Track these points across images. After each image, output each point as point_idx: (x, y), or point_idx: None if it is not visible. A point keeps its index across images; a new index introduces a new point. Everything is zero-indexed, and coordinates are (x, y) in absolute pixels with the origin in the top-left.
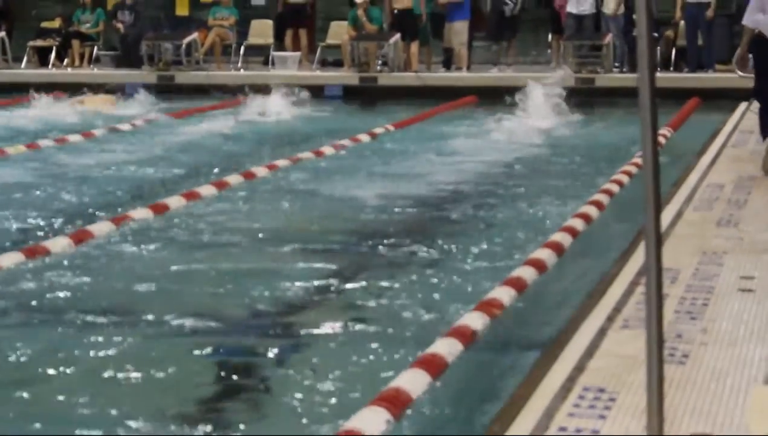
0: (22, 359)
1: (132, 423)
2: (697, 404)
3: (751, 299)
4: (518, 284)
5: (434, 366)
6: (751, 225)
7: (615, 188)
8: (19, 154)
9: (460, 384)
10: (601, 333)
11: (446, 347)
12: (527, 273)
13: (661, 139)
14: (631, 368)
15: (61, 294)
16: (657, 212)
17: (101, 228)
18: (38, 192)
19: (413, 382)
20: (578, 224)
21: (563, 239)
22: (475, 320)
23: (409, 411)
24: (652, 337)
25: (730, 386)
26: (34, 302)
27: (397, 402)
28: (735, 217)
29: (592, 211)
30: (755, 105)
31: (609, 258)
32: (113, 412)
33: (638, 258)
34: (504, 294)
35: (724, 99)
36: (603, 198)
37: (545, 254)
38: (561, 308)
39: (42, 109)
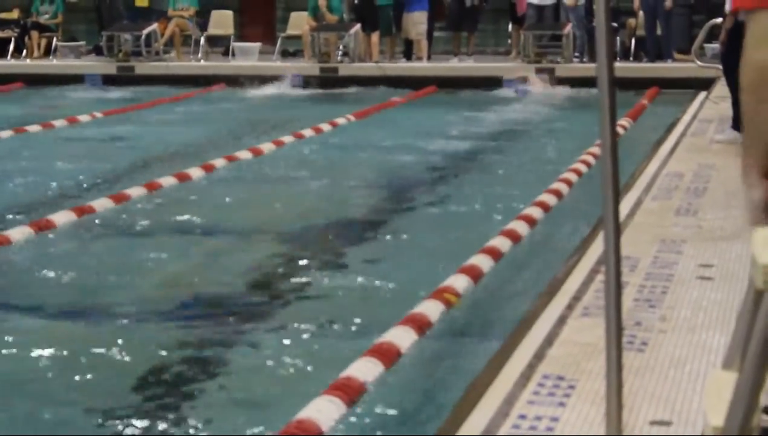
0: None
1: (103, 408)
2: (656, 390)
3: (710, 286)
4: (473, 272)
5: (387, 355)
6: (709, 213)
7: (573, 177)
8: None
9: (419, 372)
10: (561, 321)
11: (400, 336)
12: (483, 261)
13: (620, 129)
14: (591, 356)
15: (24, 278)
16: (616, 201)
17: (62, 217)
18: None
19: (365, 371)
20: (536, 212)
21: (520, 227)
22: (430, 308)
23: (364, 400)
24: (611, 325)
25: (688, 372)
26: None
27: (349, 391)
28: (694, 205)
29: (551, 199)
30: (714, 94)
31: (567, 247)
32: (86, 394)
33: (597, 247)
34: (460, 282)
35: (683, 89)
36: (561, 187)
37: (501, 242)
38: (521, 297)
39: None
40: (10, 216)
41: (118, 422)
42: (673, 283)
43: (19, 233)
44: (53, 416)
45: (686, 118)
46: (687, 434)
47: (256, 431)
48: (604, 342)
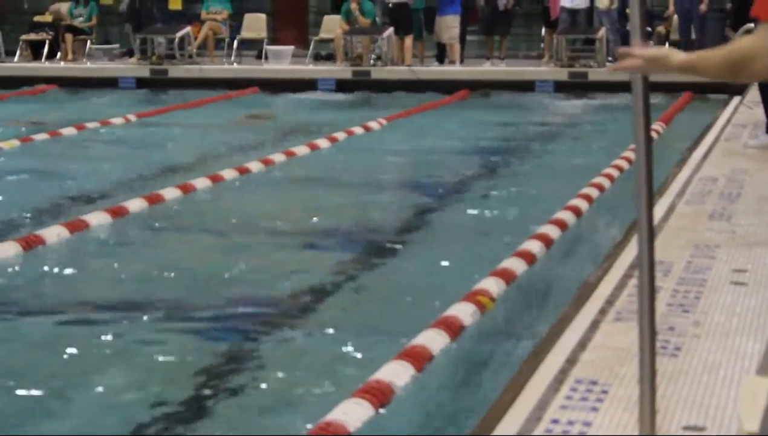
0: (14, 347)
1: (130, 410)
2: (690, 395)
3: (744, 291)
4: (506, 275)
5: (419, 358)
6: (743, 218)
7: (606, 182)
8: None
9: (452, 376)
10: (594, 326)
11: (432, 339)
12: (515, 264)
13: (653, 134)
14: (624, 361)
15: (58, 278)
16: (649, 205)
17: (96, 218)
18: (31, 184)
19: (395, 374)
20: (568, 216)
21: (552, 231)
22: (462, 311)
23: (396, 403)
24: (644, 329)
25: (722, 377)
26: (25, 292)
27: (378, 394)
28: (727, 210)
29: (582, 204)
30: (748, 99)
31: (600, 250)
32: (118, 392)
33: (631, 251)
34: (492, 285)
35: (717, 93)
36: (593, 192)
37: (533, 246)
38: (554, 301)
39: None
40: (45, 217)
41: (149, 420)
42: (707, 288)
43: (53, 234)
44: (83, 414)
45: (720, 122)
46: None
47: (285, 432)
48: (637, 347)
